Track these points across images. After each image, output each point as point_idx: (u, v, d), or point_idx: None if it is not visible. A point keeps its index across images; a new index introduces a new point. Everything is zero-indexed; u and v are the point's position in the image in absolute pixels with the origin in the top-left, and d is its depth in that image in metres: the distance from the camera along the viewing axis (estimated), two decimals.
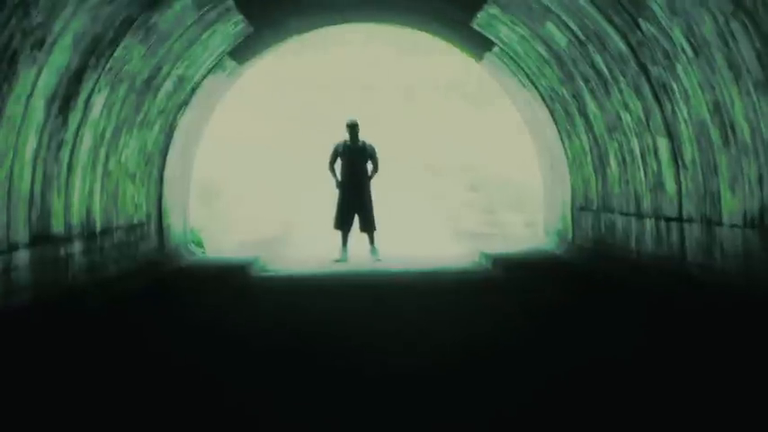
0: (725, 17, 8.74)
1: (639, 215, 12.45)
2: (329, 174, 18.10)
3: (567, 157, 15.89)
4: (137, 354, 8.22)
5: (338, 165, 18.03)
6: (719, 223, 9.86)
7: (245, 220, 25.10)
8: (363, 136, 18.06)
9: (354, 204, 17.83)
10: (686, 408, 6.10)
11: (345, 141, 17.87)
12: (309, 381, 7.28)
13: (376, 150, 17.98)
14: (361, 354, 8.43)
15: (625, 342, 8.52)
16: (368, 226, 17.83)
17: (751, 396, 6.29)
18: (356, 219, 17.90)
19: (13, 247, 9.08)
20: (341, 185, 17.94)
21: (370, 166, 17.95)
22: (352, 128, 17.82)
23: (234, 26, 14.43)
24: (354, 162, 17.84)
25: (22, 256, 9.32)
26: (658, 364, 7.46)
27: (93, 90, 10.88)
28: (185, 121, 15.58)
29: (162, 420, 6.05)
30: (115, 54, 11.10)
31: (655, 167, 11.76)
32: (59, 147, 10.30)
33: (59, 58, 9.57)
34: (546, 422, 5.89)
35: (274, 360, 8.18)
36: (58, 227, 10.43)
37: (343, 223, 17.86)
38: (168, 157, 15.29)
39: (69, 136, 10.54)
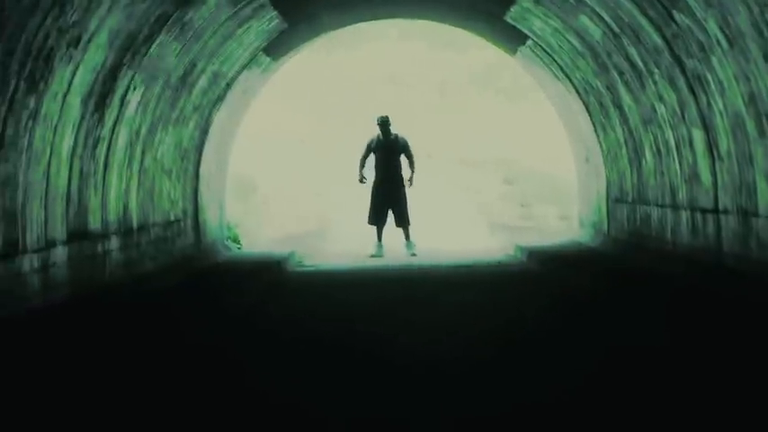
0: (759, 8, 8.70)
1: (675, 207, 12.41)
2: (358, 167, 18.10)
3: (602, 150, 15.85)
4: (173, 346, 8.27)
5: (371, 161, 18.03)
6: (755, 214, 9.82)
7: (280, 215, 25.17)
8: (396, 129, 18.05)
9: (388, 199, 17.81)
10: (710, 393, 6.10)
11: (378, 136, 17.86)
12: (346, 370, 7.31)
13: (409, 144, 17.97)
14: (396, 344, 8.45)
15: (661, 331, 8.51)
16: (402, 221, 17.82)
17: None
18: (390, 214, 17.89)
19: (50, 244, 9.16)
20: (375, 180, 17.94)
21: (403, 160, 17.94)
22: (383, 124, 17.81)
23: (268, 22, 14.48)
24: (388, 157, 17.83)
25: (60, 253, 9.40)
26: (693, 352, 7.45)
27: (128, 87, 10.95)
28: (220, 117, 15.64)
29: (196, 408, 6.09)
30: (150, 51, 11.17)
31: (690, 159, 11.72)
32: (96, 144, 10.37)
33: (95, 55, 9.63)
34: (579, 407, 5.90)
35: (309, 352, 8.21)
36: (95, 223, 10.50)
37: (377, 218, 17.85)
38: (204, 153, 15.35)
39: (105, 133, 10.62)
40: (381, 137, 17.83)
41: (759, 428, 5.48)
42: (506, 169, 29.79)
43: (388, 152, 17.83)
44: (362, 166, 18.08)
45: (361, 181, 18.11)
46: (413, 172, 17.96)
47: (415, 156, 18.07)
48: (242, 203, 24.01)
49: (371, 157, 18.02)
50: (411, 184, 18.03)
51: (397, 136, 17.88)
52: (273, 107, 30.64)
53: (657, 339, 8.35)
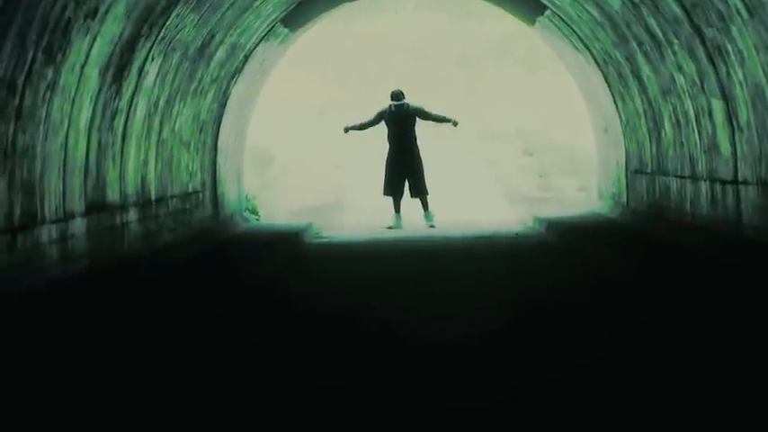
0: None
1: (694, 178, 12.37)
2: (354, 122, 18.18)
3: (621, 121, 15.79)
4: (190, 316, 8.30)
5: (384, 132, 17.97)
6: None
7: (298, 187, 25.17)
8: (411, 99, 17.99)
9: (403, 170, 17.74)
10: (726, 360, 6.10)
11: (390, 107, 17.78)
12: (361, 343, 7.33)
13: (424, 107, 17.94)
14: (413, 316, 8.46)
15: (679, 300, 8.50)
16: (419, 191, 17.75)
17: None
18: (406, 184, 17.84)
19: (69, 216, 9.18)
20: (389, 151, 17.88)
21: (420, 128, 17.88)
22: (396, 97, 17.74)
23: None
24: (401, 128, 17.73)
25: (79, 225, 9.42)
26: (710, 321, 7.45)
27: (146, 59, 10.95)
28: (238, 88, 15.63)
29: (211, 376, 6.12)
30: (168, 23, 11.15)
31: (709, 130, 11.67)
32: (114, 116, 10.38)
33: (112, 27, 9.63)
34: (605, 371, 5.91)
35: (325, 324, 8.23)
36: (113, 195, 10.52)
37: (393, 190, 17.79)
38: (222, 124, 15.35)
39: (123, 105, 10.62)
40: (394, 108, 17.75)
41: None
42: (525, 140, 29.72)
43: (401, 123, 17.73)
44: (358, 127, 18.07)
45: (345, 130, 18.17)
46: (448, 119, 17.97)
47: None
48: (260, 175, 24.03)
49: (384, 130, 17.93)
50: (456, 124, 18.07)
51: (408, 105, 17.80)
52: (292, 79, 30.61)
53: (675, 309, 8.34)
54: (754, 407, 5.31)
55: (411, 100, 18.00)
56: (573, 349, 6.99)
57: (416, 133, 17.84)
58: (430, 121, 17.99)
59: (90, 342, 6.99)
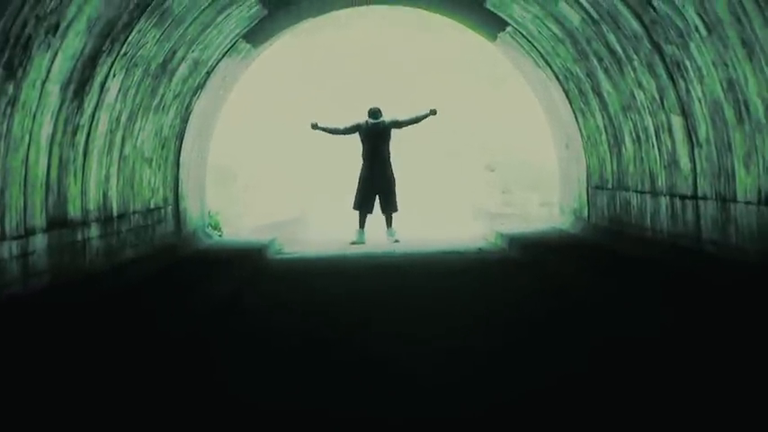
0: None
1: (654, 193, 12.45)
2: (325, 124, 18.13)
3: (582, 136, 15.88)
4: (148, 334, 8.28)
5: (359, 149, 17.96)
6: (734, 200, 9.87)
7: (262, 203, 25.15)
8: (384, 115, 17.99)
9: (376, 186, 17.77)
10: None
11: (367, 122, 17.80)
12: (327, 354, 7.33)
13: (397, 116, 17.94)
14: (373, 333, 8.48)
15: (643, 315, 8.55)
16: (389, 207, 17.78)
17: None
18: (377, 200, 17.84)
19: (30, 232, 9.15)
20: (363, 167, 17.87)
21: (392, 147, 17.86)
22: (373, 115, 17.76)
23: (248, 9, 14.46)
24: (376, 144, 17.74)
25: (40, 241, 9.39)
26: (675, 334, 7.50)
27: (108, 75, 10.92)
28: (201, 104, 15.62)
29: (164, 400, 6.10)
30: (129, 38, 11.14)
31: (669, 145, 11.76)
32: (75, 131, 10.35)
33: (73, 42, 9.61)
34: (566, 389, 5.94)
35: (285, 343, 8.23)
36: (74, 211, 10.49)
37: (363, 204, 17.82)
38: (184, 140, 15.33)
39: (85, 121, 10.59)
40: (370, 124, 17.76)
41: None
42: (488, 156, 29.81)
43: (377, 139, 17.74)
44: (329, 129, 18.06)
45: (312, 126, 18.11)
46: (424, 114, 17.91)
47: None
48: (224, 191, 23.99)
49: (359, 146, 17.92)
50: (435, 112, 17.98)
51: (384, 122, 17.81)
52: (255, 94, 30.58)
53: (637, 319, 8.39)
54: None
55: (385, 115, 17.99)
56: (538, 360, 7.02)
57: (391, 150, 17.86)
58: (408, 127, 18.01)
59: (41, 358, 6.96)
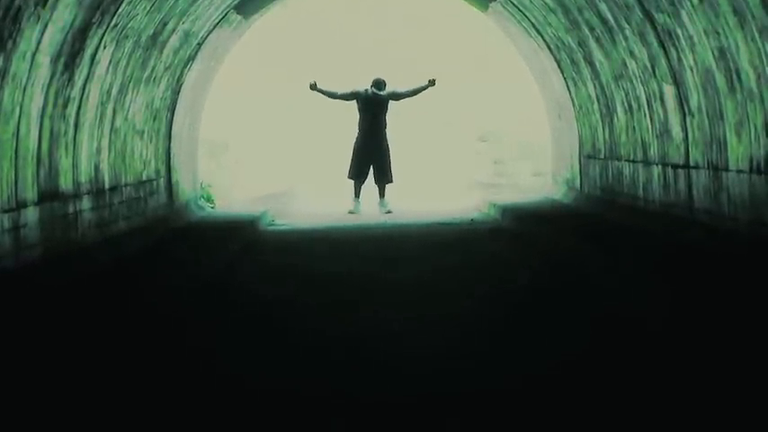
0: None
1: (647, 162, 12.46)
2: (323, 90, 18.03)
3: (574, 106, 15.87)
4: (142, 306, 8.28)
5: (356, 117, 17.93)
6: (726, 169, 9.87)
7: (254, 174, 25.13)
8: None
9: (371, 156, 17.76)
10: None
11: (367, 91, 17.78)
12: (315, 322, 7.35)
13: (395, 89, 17.92)
14: (364, 306, 8.50)
15: (634, 284, 8.57)
16: (383, 178, 17.78)
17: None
18: (371, 171, 17.84)
19: (21, 205, 9.13)
20: (358, 135, 17.86)
21: (389, 119, 17.84)
22: (377, 85, 17.74)
23: None
24: (374, 113, 17.72)
25: (31, 214, 9.37)
26: (666, 302, 7.52)
27: (98, 46, 10.88)
28: (192, 76, 15.58)
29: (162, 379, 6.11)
30: (120, 10, 11.09)
31: (661, 115, 11.75)
32: (66, 104, 10.32)
33: (63, 14, 9.56)
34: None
35: (279, 311, 8.24)
36: (66, 184, 10.47)
37: (358, 174, 17.81)
38: (176, 112, 15.29)
39: (76, 93, 10.56)
40: (371, 94, 17.73)
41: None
42: (480, 126, 29.79)
43: (375, 109, 17.72)
44: (327, 93, 17.99)
45: (311, 86, 18.02)
46: (423, 86, 17.89)
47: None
48: (215, 163, 23.96)
49: (356, 114, 17.90)
50: (434, 82, 17.95)
51: (383, 93, 17.79)
52: (245, 66, 30.51)
53: (631, 288, 8.41)
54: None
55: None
56: (523, 325, 7.05)
57: (387, 122, 17.85)
58: (407, 99, 18.02)
59: (34, 332, 6.96)
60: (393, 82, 18.42)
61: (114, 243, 11.47)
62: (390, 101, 17.84)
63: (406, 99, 18.09)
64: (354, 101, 17.89)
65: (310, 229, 15.30)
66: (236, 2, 15.26)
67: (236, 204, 19.20)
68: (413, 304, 8.41)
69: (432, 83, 17.97)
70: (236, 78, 28.02)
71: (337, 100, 18.21)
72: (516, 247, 12.12)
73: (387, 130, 17.82)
